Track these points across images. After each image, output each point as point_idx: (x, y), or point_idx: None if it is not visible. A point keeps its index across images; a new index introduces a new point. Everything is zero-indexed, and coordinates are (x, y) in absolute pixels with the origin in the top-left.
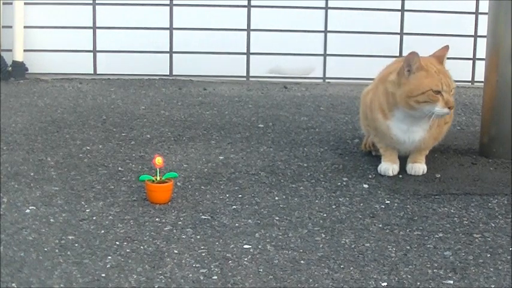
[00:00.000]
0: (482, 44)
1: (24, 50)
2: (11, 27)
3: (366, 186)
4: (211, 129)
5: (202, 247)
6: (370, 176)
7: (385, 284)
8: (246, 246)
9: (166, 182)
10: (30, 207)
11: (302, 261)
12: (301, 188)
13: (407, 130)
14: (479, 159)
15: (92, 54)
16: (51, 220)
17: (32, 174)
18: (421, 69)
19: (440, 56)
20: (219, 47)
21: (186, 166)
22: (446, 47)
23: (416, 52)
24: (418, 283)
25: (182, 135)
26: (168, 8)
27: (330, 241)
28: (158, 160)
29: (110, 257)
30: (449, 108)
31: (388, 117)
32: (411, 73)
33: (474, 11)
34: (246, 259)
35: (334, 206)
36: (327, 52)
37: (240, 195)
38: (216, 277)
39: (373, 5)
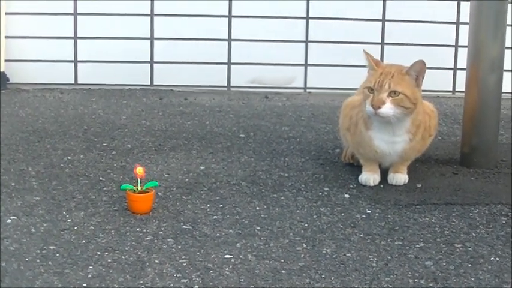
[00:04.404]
0: (463, 53)
1: (6, 60)
2: None
3: (347, 196)
4: (192, 139)
5: (183, 257)
6: (351, 186)
7: None
8: (227, 256)
9: (148, 192)
10: (11, 217)
11: (283, 271)
12: (282, 197)
13: (389, 141)
14: (460, 169)
15: (73, 64)
16: (33, 230)
17: (13, 184)
18: None
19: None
20: (200, 57)
21: (167, 176)
22: None
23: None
24: None
25: (163, 145)
26: (149, 18)
27: (311, 251)
28: (139, 170)
29: (91, 267)
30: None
31: (369, 127)
32: None
33: (455, 20)
34: (227, 269)
35: (315, 216)
36: (308, 62)
37: (221, 205)
38: (197, 287)
39: (354, 14)
